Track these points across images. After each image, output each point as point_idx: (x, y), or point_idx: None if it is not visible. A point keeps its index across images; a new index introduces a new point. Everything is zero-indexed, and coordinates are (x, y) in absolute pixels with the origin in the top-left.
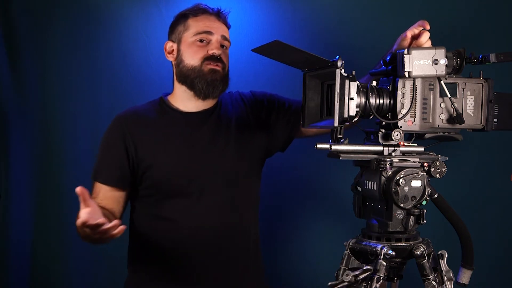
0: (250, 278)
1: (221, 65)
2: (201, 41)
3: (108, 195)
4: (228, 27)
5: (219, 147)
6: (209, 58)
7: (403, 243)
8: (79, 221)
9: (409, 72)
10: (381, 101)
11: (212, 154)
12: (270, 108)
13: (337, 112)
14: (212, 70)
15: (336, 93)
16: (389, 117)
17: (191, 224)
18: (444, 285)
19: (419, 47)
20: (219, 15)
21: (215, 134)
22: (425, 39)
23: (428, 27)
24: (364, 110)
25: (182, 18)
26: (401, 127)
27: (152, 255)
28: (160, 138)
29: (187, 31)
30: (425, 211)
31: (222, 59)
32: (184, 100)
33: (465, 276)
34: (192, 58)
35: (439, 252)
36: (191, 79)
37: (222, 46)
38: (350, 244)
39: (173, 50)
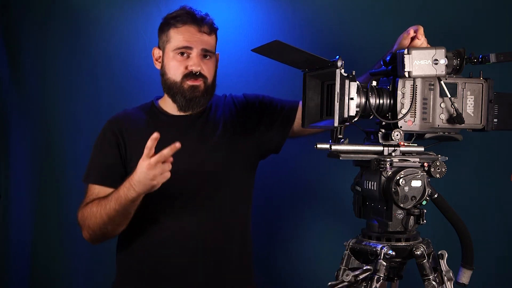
0: (235, 279)
1: (202, 79)
2: (181, 54)
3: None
4: (215, 31)
5: (205, 149)
6: (189, 75)
7: (403, 243)
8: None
9: (409, 72)
10: (381, 101)
11: (198, 156)
12: (262, 110)
13: (337, 112)
14: (192, 88)
15: (336, 93)
16: (389, 117)
17: (176, 225)
18: (444, 285)
19: (419, 47)
20: (201, 25)
21: (202, 137)
22: (417, 44)
23: (419, 36)
24: (364, 110)
25: (166, 26)
26: (401, 127)
27: (137, 255)
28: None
29: (169, 43)
30: (425, 211)
31: (203, 73)
32: (172, 106)
33: (465, 276)
34: (173, 73)
35: (439, 252)
36: (173, 93)
37: (205, 56)
38: (350, 244)
39: (159, 57)
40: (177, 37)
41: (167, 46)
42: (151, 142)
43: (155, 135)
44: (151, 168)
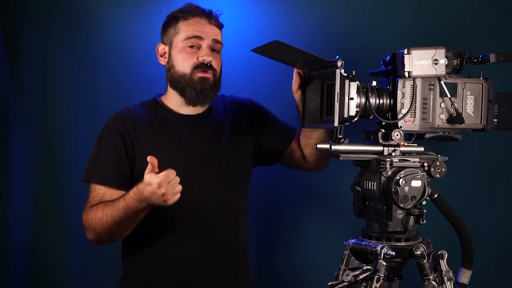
0: (236, 280)
1: (212, 71)
2: (191, 46)
3: (114, 196)
4: (221, 27)
5: (214, 152)
6: (200, 66)
7: (403, 243)
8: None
9: (409, 72)
10: (381, 101)
11: (207, 159)
12: (264, 120)
13: (337, 112)
14: (202, 79)
15: (336, 93)
16: (389, 117)
17: (183, 227)
18: (444, 285)
19: (419, 47)
20: (210, 17)
21: (210, 140)
22: None
23: None
24: (364, 110)
25: (173, 20)
26: (401, 127)
27: (143, 254)
28: (155, 140)
29: (178, 35)
30: (425, 211)
31: (213, 65)
32: (177, 103)
33: (465, 276)
34: (182, 65)
35: (439, 252)
36: (182, 87)
37: (213, 50)
38: (350, 244)
39: (165, 53)
40: (187, 28)
41: (175, 38)
42: (154, 160)
43: (154, 161)
44: (160, 187)
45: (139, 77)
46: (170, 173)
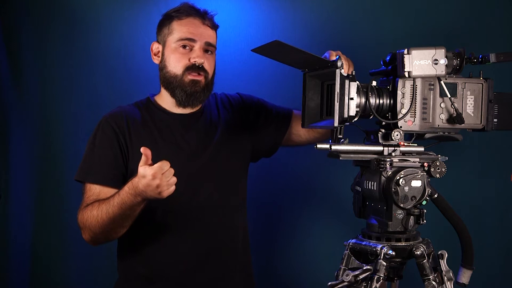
0: (239, 279)
1: (203, 73)
2: (183, 47)
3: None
4: (216, 28)
5: (208, 150)
6: (191, 68)
7: (403, 243)
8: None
9: (409, 72)
10: (381, 101)
11: (201, 158)
12: (258, 112)
13: (337, 112)
14: (193, 82)
15: (336, 93)
16: (389, 117)
17: (178, 226)
18: (444, 285)
19: (419, 47)
20: (204, 17)
21: (204, 137)
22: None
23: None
24: (364, 110)
25: (167, 19)
26: (401, 127)
27: (139, 255)
28: (149, 140)
29: (171, 35)
30: (425, 211)
31: (205, 67)
32: (170, 103)
33: (465, 276)
34: (174, 66)
35: (439, 252)
36: (172, 88)
37: (206, 51)
38: (350, 244)
39: (158, 52)
40: (180, 28)
41: (168, 38)
42: (148, 151)
43: (148, 152)
44: (154, 178)
45: (139, 78)
46: (164, 165)
